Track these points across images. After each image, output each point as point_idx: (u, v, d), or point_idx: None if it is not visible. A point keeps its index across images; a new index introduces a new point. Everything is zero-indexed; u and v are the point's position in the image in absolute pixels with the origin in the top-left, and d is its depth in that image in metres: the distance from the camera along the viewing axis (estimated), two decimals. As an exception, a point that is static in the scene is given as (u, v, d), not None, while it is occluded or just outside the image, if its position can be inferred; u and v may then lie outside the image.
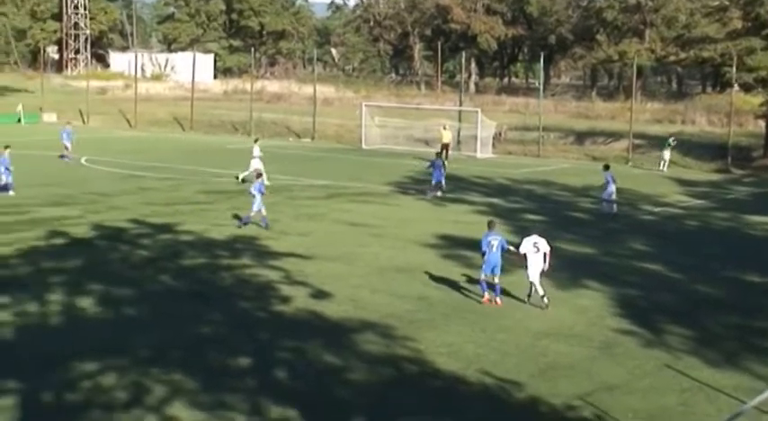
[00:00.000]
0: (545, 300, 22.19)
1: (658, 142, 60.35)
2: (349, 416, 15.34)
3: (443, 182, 40.88)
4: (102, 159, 50.79)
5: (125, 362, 17.26)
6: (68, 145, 50.98)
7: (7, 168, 37.84)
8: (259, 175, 33.00)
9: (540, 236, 22.77)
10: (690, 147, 54.81)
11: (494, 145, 62.61)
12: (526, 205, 39.16)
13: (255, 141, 44.28)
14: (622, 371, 17.74)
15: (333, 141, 67.63)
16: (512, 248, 22.65)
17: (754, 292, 25.01)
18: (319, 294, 22.80)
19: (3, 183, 37.66)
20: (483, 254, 22.31)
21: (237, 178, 42.26)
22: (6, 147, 39.01)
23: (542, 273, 22.47)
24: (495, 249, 22.17)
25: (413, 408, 15.57)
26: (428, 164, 42.58)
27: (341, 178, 45.55)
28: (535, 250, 22.39)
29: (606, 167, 37.32)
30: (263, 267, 25.58)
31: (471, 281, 23.68)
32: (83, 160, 50.13)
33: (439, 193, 39.99)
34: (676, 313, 22.20)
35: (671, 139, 54.21)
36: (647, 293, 24.21)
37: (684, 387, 16.88)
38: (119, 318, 20.60)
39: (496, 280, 22.28)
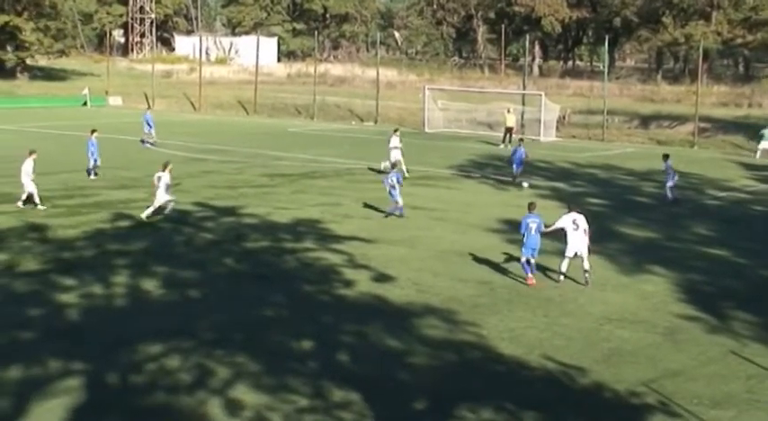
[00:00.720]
0: (587, 275, 22.44)
1: (723, 125, 59.57)
2: (411, 400, 15.35)
3: (519, 169, 39.95)
4: (167, 142, 51.14)
5: (189, 345, 17.45)
6: (152, 130, 50.95)
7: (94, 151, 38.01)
8: (394, 166, 32.82)
9: (578, 213, 22.89)
10: (757, 131, 53.90)
11: (557, 128, 62.08)
12: (589, 189, 38.87)
13: (395, 131, 42.52)
14: (687, 357, 17.57)
15: (396, 125, 67.22)
16: (545, 229, 22.82)
17: (823, 279, 24.63)
18: (382, 278, 22.85)
19: (91, 165, 37.92)
20: (524, 235, 22.61)
21: (380, 169, 40.50)
22: (93, 131, 38.57)
23: (589, 251, 22.67)
24: (533, 232, 22.42)
25: (476, 393, 15.55)
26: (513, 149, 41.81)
27: (403, 162, 45.36)
28: (574, 227, 22.50)
29: (666, 157, 36.70)
30: (326, 250, 25.68)
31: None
32: (148, 143, 50.53)
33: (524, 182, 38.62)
34: (742, 299, 21.93)
35: (766, 129, 52.62)
36: (713, 279, 23.95)
37: (750, 374, 16.69)
38: (183, 301, 20.82)
39: (532, 260, 22.51)
